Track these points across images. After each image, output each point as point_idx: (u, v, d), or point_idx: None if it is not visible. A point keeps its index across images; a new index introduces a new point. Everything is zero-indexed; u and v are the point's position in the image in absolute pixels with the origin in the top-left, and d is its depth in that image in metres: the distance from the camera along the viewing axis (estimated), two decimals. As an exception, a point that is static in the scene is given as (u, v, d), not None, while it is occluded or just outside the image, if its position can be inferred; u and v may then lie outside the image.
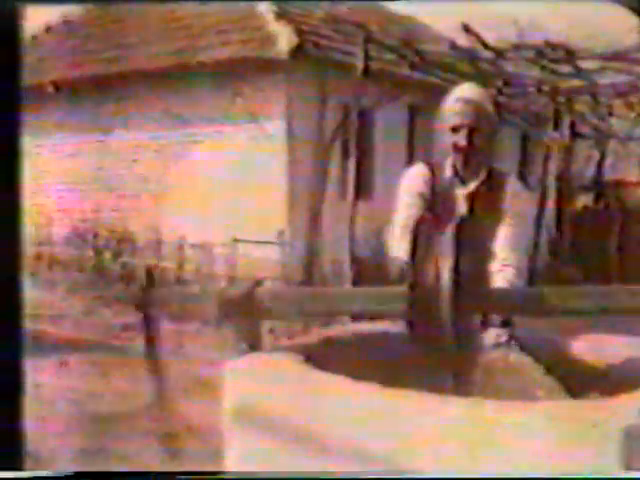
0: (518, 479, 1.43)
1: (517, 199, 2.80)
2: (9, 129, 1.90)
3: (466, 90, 2.79)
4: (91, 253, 11.83)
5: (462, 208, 2.73)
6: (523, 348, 2.22)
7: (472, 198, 2.75)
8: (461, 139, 2.71)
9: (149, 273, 2.23)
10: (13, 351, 1.90)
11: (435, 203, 2.74)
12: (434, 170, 2.81)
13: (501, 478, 1.43)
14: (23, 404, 1.89)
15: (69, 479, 2.37)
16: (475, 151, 2.73)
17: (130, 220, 11.52)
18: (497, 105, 10.93)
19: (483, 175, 2.78)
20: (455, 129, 2.72)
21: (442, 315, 1.82)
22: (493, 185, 2.78)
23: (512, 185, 2.82)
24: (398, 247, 2.62)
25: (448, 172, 2.78)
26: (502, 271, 2.63)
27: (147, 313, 2.19)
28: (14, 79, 1.91)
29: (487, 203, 2.74)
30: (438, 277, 1.86)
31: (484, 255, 2.66)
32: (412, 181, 2.83)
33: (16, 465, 1.87)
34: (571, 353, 2.24)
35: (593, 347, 2.23)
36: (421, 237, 2.50)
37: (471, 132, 2.71)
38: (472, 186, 2.77)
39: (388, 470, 1.50)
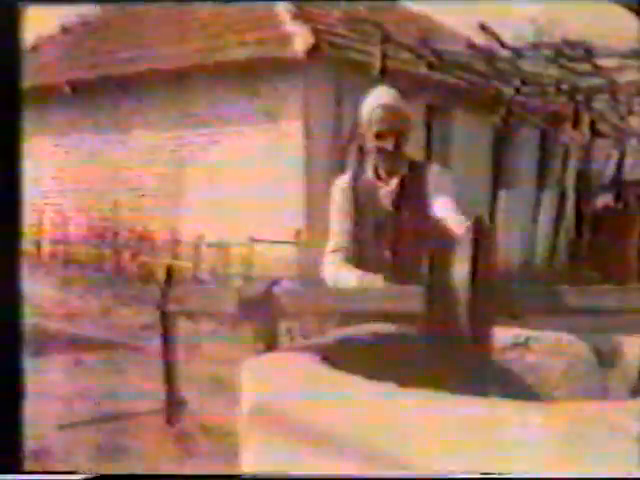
0: (523, 479, 1.41)
1: (439, 177, 2.87)
2: (10, 129, 1.91)
3: (385, 96, 2.86)
4: (110, 252, 11.90)
5: (387, 206, 2.82)
6: (541, 348, 2.21)
7: (396, 195, 2.83)
8: (388, 145, 2.79)
9: (169, 272, 2.23)
10: (13, 351, 1.91)
11: (360, 205, 2.83)
12: (356, 176, 2.90)
13: (505, 478, 1.41)
14: (23, 404, 1.89)
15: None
16: (400, 154, 2.83)
17: (148, 220, 11.57)
18: (512, 105, 10.81)
19: (404, 171, 2.85)
20: (380, 135, 2.79)
21: (459, 314, 1.81)
22: (414, 177, 2.86)
23: (432, 170, 2.90)
24: (331, 276, 2.74)
25: (369, 175, 2.87)
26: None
27: (164, 312, 2.20)
28: (15, 79, 1.92)
29: (412, 195, 2.83)
30: (454, 276, 1.85)
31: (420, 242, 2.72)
32: (335, 195, 2.89)
33: (16, 466, 1.88)
34: (590, 354, 2.22)
35: (613, 348, 2.21)
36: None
37: (398, 137, 2.79)
38: (394, 183, 2.84)
39: (401, 471, 1.49)
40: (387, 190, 2.83)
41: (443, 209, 2.73)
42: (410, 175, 2.84)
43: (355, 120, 9.60)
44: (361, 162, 2.98)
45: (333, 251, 2.82)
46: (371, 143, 2.83)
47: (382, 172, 2.85)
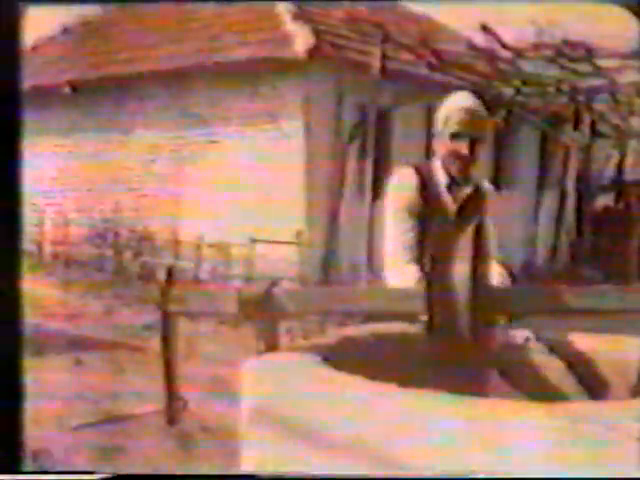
0: (523, 479, 1.41)
1: (494, 204, 2.89)
2: (10, 129, 1.91)
3: (468, 99, 2.85)
4: (111, 253, 11.89)
5: (453, 213, 2.78)
6: (542, 348, 2.21)
7: (464, 204, 2.80)
8: (463, 147, 2.76)
9: (170, 272, 2.23)
10: (13, 351, 1.91)
11: (426, 208, 2.77)
12: (423, 175, 2.82)
13: (505, 478, 1.41)
14: (23, 404, 1.89)
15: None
16: (475, 160, 2.81)
17: (149, 220, 11.57)
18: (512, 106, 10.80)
19: (476, 182, 2.86)
20: (455, 136, 2.76)
21: (460, 314, 1.81)
22: (479, 192, 2.85)
23: (490, 191, 2.91)
24: (397, 275, 2.66)
25: (441, 177, 2.81)
26: (496, 270, 2.71)
27: (165, 312, 2.20)
28: (15, 79, 1.92)
29: (474, 209, 2.80)
30: (455, 276, 1.85)
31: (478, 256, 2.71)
32: (402, 191, 2.82)
33: (16, 466, 1.88)
34: (590, 353, 2.22)
35: (613, 347, 2.21)
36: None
37: (474, 141, 2.76)
38: (466, 192, 2.81)
39: (402, 471, 1.49)
40: (457, 197, 2.80)
41: (490, 242, 2.78)
42: (478, 189, 2.85)
43: (359, 119, 9.46)
44: (428, 162, 2.89)
45: (402, 248, 2.75)
46: (445, 144, 2.79)
47: (457, 177, 2.81)
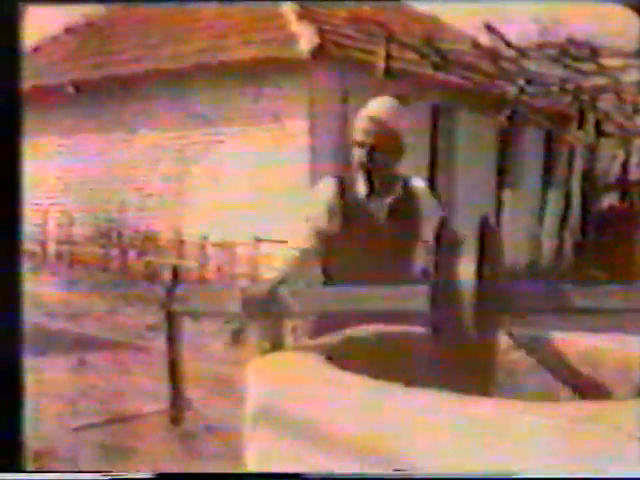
0: (524, 479, 1.41)
1: (429, 204, 2.82)
2: (10, 130, 1.92)
3: (375, 107, 2.79)
4: (115, 252, 11.91)
5: (379, 222, 2.73)
6: (545, 348, 2.21)
7: (391, 211, 2.75)
8: (362, 156, 2.73)
9: (174, 272, 2.23)
10: (13, 350, 1.91)
11: (347, 218, 2.73)
12: (345, 186, 2.78)
13: (505, 478, 1.41)
14: (23, 404, 1.90)
15: None
16: (377, 168, 2.73)
17: (154, 219, 11.58)
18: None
19: (399, 190, 2.78)
20: (359, 145, 2.73)
21: (464, 314, 1.81)
22: (407, 199, 2.78)
23: (423, 192, 2.85)
24: (287, 267, 2.65)
25: (361, 187, 2.77)
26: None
27: (170, 311, 2.20)
28: (15, 79, 1.93)
29: (406, 214, 2.75)
30: (460, 276, 1.85)
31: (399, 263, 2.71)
32: (314, 204, 2.79)
33: (17, 466, 1.88)
34: (595, 353, 2.21)
35: (617, 347, 2.21)
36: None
37: (371, 150, 2.71)
38: (388, 201, 2.76)
39: (405, 471, 1.49)
40: (379, 206, 2.75)
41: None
42: (404, 197, 2.78)
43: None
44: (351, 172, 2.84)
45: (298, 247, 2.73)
46: (355, 153, 2.77)
47: (377, 185, 2.76)
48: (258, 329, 2.60)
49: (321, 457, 1.64)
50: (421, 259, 2.78)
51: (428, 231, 2.69)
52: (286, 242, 2.88)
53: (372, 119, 2.74)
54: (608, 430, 1.39)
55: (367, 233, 2.72)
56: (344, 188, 2.78)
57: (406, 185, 2.82)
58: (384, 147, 2.74)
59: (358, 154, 2.74)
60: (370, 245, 2.70)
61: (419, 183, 2.89)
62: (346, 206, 2.74)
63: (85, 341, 7.03)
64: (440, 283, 1.87)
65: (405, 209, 2.76)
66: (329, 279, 2.76)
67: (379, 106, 2.80)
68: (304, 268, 2.73)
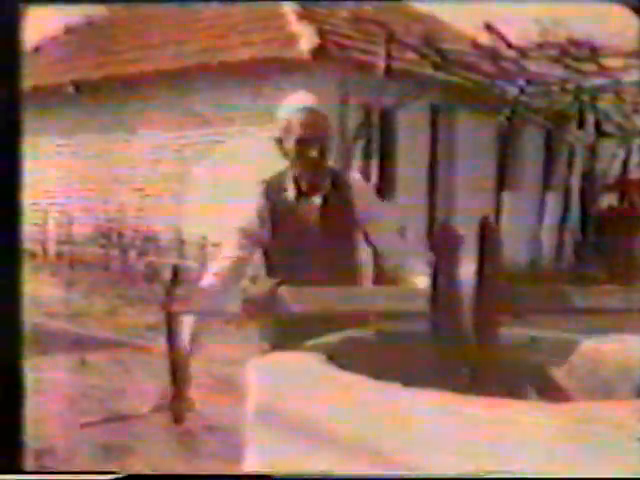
0: (524, 479, 1.41)
1: (364, 195, 2.66)
2: (10, 130, 1.92)
3: (308, 99, 2.62)
4: (115, 252, 11.91)
5: (312, 222, 2.57)
6: (546, 348, 2.21)
7: (324, 210, 2.58)
8: (312, 152, 2.53)
9: (175, 271, 2.23)
10: (13, 350, 1.92)
11: (277, 221, 2.59)
12: (273, 190, 2.65)
13: (506, 478, 1.41)
14: (23, 404, 1.90)
15: None
16: (326, 163, 2.59)
17: (154, 219, 11.58)
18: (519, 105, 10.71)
19: (328, 184, 2.61)
20: (301, 141, 2.54)
21: (464, 314, 1.81)
22: (338, 192, 2.61)
23: (356, 183, 2.70)
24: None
25: (290, 190, 2.62)
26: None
27: (170, 311, 2.20)
28: (15, 79, 1.93)
29: (341, 211, 2.60)
30: (460, 276, 1.85)
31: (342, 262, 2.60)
32: (244, 212, 2.67)
33: (17, 466, 1.88)
34: (594, 353, 2.21)
35: (617, 347, 2.21)
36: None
37: (322, 144, 2.55)
38: (318, 199, 2.60)
39: (405, 471, 1.49)
40: (310, 206, 2.59)
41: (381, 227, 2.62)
42: (334, 191, 2.61)
43: (364, 119, 9.41)
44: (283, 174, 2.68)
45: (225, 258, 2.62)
46: (292, 152, 2.58)
47: (304, 186, 2.60)
48: (258, 329, 2.60)
49: (321, 457, 1.64)
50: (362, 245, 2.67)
51: (364, 217, 2.59)
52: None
53: (311, 111, 2.56)
54: (608, 430, 1.39)
55: (301, 233, 2.57)
56: (272, 191, 2.64)
57: (336, 177, 2.65)
58: (330, 140, 2.60)
59: (301, 152, 2.55)
60: (307, 245, 2.55)
61: (350, 173, 2.78)
62: (275, 209, 2.61)
63: (85, 341, 7.03)
64: (440, 283, 1.87)
65: (337, 202, 2.59)
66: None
67: (311, 98, 2.63)
68: (238, 275, 2.59)
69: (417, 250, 2.64)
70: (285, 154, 2.65)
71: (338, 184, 2.63)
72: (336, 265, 2.54)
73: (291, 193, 2.61)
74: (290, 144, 2.58)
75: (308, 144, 2.53)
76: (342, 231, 2.61)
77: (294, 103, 2.62)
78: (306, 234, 2.56)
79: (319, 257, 2.53)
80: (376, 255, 2.68)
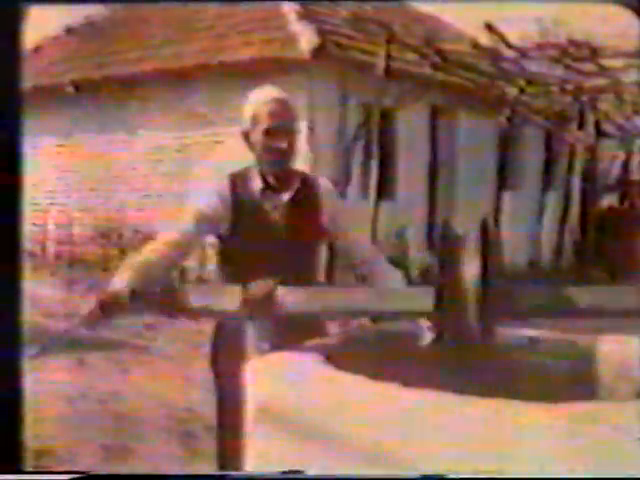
0: (524, 479, 1.41)
1: (332, 203, 2.62)
2: (10, 130, 1.92)
3: (274, 90, 2.56)
4: (116, 252, 11.90)
5: (277, 219, 2.51)
6: (547, 348, 2.20)
7: (290, 209, 2.52)
8: (281, 142, 2.47)
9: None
10: (13, 351, 1.92)
11: (241, 217, 2.50)
12: (237, 185, 2.57)
13: (506, 478, 1.41)
14: (23, 404, 1.90)
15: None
16: (294, 155, 2.52)
17: (154, 220, 11.57)
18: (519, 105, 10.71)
19: (297, 183, 2.57)
20: (270, 132, 2.47)
21: (468, 314, 1.81)
22: (307, 193, 2.57)
23: (326, 189, 2.65)
24: (130, 273, 2.25)
25: (257, 183, 2.55)
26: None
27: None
28: (15, 79, 1.93)
29: (304, 211, 2.54)
30: (464, 276, 1.85)
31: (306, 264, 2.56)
32: (203, 202, 2.55)
33: (17, 466, 1.88)
34: (596, 354, 2.21)
35: (617, 347, 2.20)
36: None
37: (291, 134, 2.49)
38: (287, 196, 2.54)
39: (404, 471, 1.49)
40: (277, 203, 2.52)
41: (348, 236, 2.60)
42: (304, 191, 2.56)
43: (364, 119, 9.37)
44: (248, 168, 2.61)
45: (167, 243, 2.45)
46: (261, 142, 2.50)
47: (271, 180, 2.53)
48: (258, 329, 2.60)
49: (321, 457, 1.64)
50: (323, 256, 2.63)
51: (331, 225, 2.57)
52: None
53: (279, 101, 2.50)
54: (608, 430, 1.38)
55: (265, 229, 2.50)
56: (237, 184, 2.58)
57: (305, 180, 2.61)
58: (298, 129, 2.55)
59: (271, 142, 2.48)
60: (268, 241, 2.48)
61: (319, 178, 2.72)
62: (239, 202, 2.53)
63: (85, 341, 7.02)
64: (444, 284, 1.87)
65: (304, 202, 2.54)
66: (229, 278, 2.53)
67: (277, 90, 2.57)
68: (180, 253, 2.47)
69: (385, 255, 2.68)
70: (252, 147, 2.58)
71: (307, 186, 2.59)
72: (297, 263, 2.49)
73: (257, 187, 2.54)
74: (257, 136, 2.52)
75: (276, 134, 2.48)
76: (307, 230, 2.56)
77: (261, 94, 2.56)
78: (269, 230, 2.50)
79: (280, 255, 2.44)
80: (335, 256, 2.67)
